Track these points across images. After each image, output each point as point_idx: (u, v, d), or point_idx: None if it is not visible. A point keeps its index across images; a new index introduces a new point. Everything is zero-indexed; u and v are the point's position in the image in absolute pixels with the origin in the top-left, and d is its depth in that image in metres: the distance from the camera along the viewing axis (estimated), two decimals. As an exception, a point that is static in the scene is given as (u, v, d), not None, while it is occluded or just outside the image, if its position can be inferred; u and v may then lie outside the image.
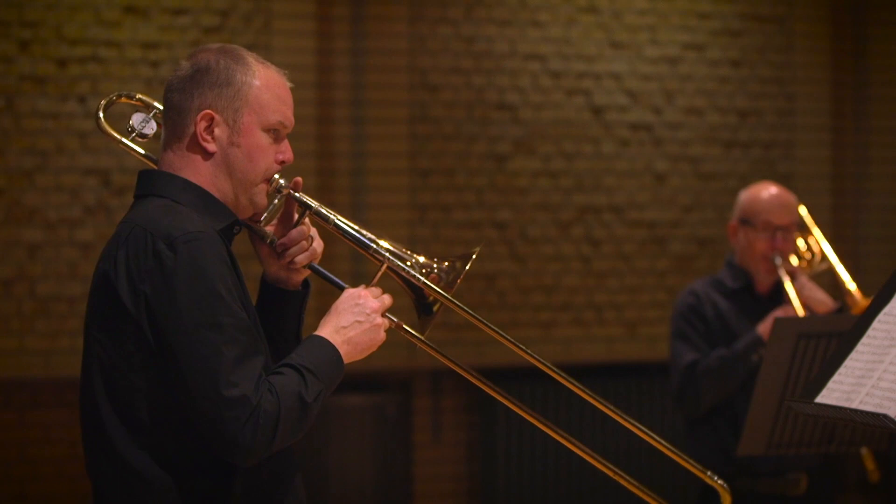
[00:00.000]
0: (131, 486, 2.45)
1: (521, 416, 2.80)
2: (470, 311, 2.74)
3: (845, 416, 2.52)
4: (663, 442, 2.93)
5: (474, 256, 2.73)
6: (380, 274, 2.68)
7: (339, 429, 6.57)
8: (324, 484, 6.59)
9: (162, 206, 2.54)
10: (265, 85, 2.58)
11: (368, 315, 2.60)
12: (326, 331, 2.58)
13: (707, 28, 7.40)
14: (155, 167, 2.67)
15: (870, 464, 4.69)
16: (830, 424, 4.02)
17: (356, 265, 6.38)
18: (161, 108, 2.69)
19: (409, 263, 2.70)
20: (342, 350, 2.56)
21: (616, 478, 2.88)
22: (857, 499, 7.03)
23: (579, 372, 7.25)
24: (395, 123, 6.86)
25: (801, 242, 4.68)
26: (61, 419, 6.34)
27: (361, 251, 2.70)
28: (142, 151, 2.76)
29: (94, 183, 6.41)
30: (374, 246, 2.68)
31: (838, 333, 3.90)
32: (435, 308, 2.72)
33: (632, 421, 2.92)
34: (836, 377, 2.58)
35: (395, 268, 2.69)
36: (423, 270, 2.71)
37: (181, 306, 2.39)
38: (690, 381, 4.30)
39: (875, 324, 2.60)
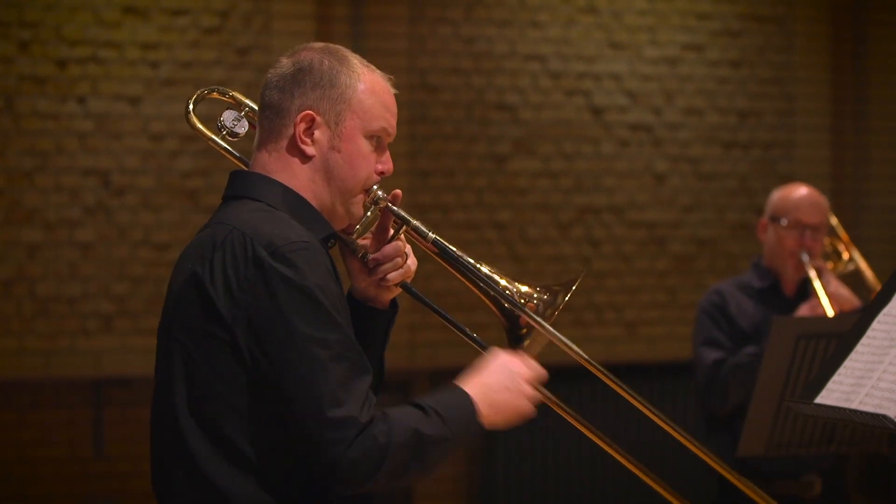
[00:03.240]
0: None
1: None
2: (569, 344, 2.60)
3: (845, 417, 2.52)
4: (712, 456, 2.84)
5: (574, 288, 2.61)
6: (537, 344, 2.54)
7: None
8: (323, 484, 6.59)
9: (258, 209, 2.37)
10: (370, 89, 2.47)
11: (519, 383, 2.45)
12: (469, 385, 2.42)
13: (707, 28, 7.40)
14: (245, 168, 2.50)
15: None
16: (830, 425, 4.02)
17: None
18: (254, 106, 2.55)
19: (505, 289, 2.59)
20: (482, 409, 2.39)
21: (647, 479, 2.75)
22: (858, 499, 7.03)
23: (579, 372, 7.26)
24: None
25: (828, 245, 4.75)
26: (61, 420, 6.33)
27: (458, 276, 2.57)
28: (234, 152, 2.57)
29: (94, 183, 6.41)
30: (473, 270, 2.57)
31: (838, 334, 3.90)
32: (526, 343, 2.59)
33: (678, 429, 2.81)
34: (835, 378, 2.58)
35: (493, 299, 2.56)
36: (522, 301, 2.60)
37: (285, 319, 2.24)
38: (716, 379, 4.31)
39: (875, 324, 2.60)
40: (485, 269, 2.61)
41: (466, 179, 7.01)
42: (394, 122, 2.50)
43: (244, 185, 2.44)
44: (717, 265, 7.39)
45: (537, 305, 2.61)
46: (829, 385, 2.57)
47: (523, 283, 2.62)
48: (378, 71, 2.52)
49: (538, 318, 2.58)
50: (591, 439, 2.65)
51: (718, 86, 7.43)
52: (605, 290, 7.21)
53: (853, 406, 2.50)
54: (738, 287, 4.49)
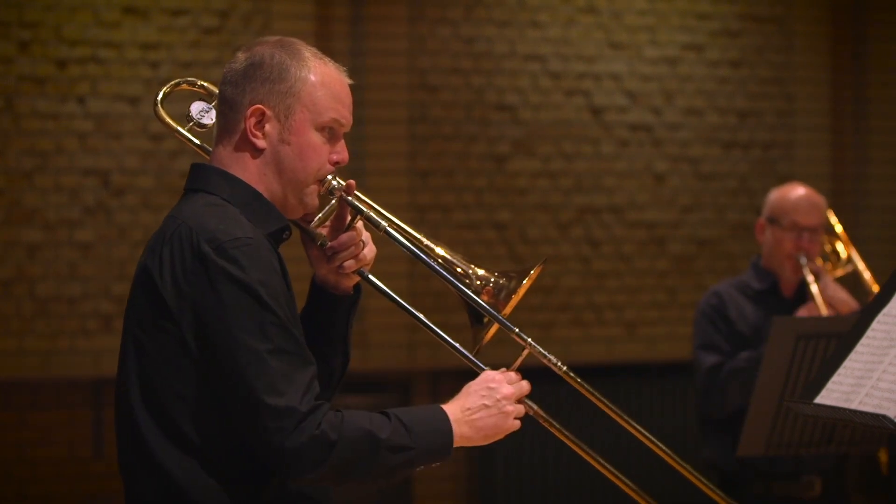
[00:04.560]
0: (164, 491, 2.38)
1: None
2: (517, 331, 2.65)
3: (845, 417, 2.52)
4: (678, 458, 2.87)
5: (534, 273, 2.65)
6: (522, 359, 2.59)
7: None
8: (323, 484, 6.59)
9: (210, 204, 2.44)
10: (321, 82, 2.49)
11: (498, 401, 2.51)
12: (451, 407, 2.49)
13: (706, 28, 7.40)
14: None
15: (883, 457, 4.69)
16: (830, 425, 4.02)
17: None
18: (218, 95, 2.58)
19: (458, 270, 2.63)
20: (458, 429, 2.46)
21: (623, 486, 2.80)
22: (858, 499, 7.03)
23: (578, 373, 7.25)
24: (395, 124, 6.86)
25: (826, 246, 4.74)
26: (60, 420, 6.33)
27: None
28: (198, 143, 2.64)
29: (94, 184, 6.41)
30: (427, 258, 2.62)
31: (837, 334, 3.90)
32: (485, 320, 2.64)
33: (651, 438, 2.84)
34: (835, 378, 2.58)
35: (446, 279, 2.62)
36: (479, 283, 2.64)
37: (228, 313, 2.32)
38: (714, 383, 4.29)
39: (874, 324, 2.60)
40: (440, 252, 2.66)
41: (466, 179, 7.01)
42: (347, 112, 2.53)
43: (201, 178, 2.50)
44: (716, 265, 7.39)
45: (494, 289, 2.65)
46: (829, 385, 2.57)
47: (480, 267, 2.67)
48: (332, 63, 2.54)
49: (485, 305, 2.63)
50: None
51: (718, 86, 7.43)
52: (605, 291, 7.21)
53: (853, 406, 2.50)
54: (737, 288, 4.46)
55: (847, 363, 2.58)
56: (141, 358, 2.41)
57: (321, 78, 2.50)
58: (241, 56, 2.51)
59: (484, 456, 6.86)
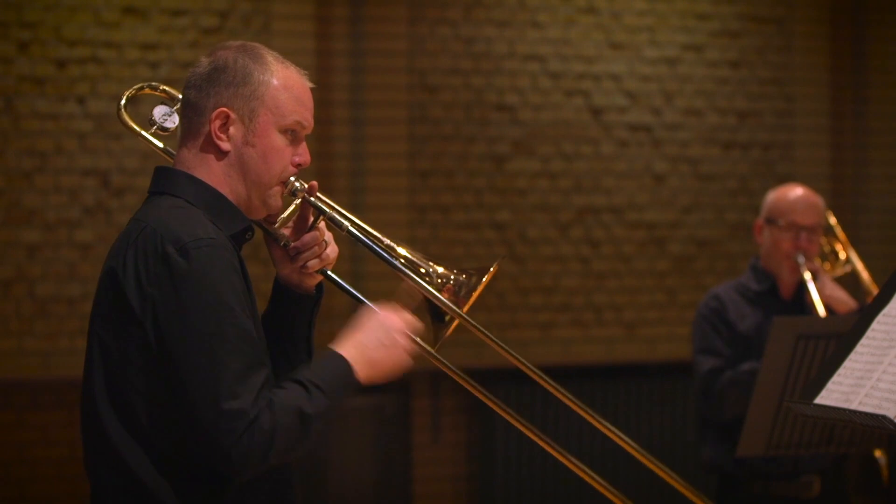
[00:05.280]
0: (128, 488, 2.43)
1: (520, 417, 2.79)
2: (478, 326, 2.71)
3: (844, 417, 2.52)
4: (650, 457, 2.91)
5: (493, 270, 2.70)
6: (415, 300, 2.63)
7: (339, 430, 6.57)
8: (323, 485, 6.59)
9: (174, 206, 2.49)
10: (283, 85, 2.54)
11: (394, 337, 2.56)
12: (346, 347, 2.52)
13: (706, 29, 7.40)
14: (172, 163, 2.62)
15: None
16: (829, 425, 4.02)
17: (355, 265, 6.38)
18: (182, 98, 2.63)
19: (421, 269, 2.68)
20: (360, 370, 2.51)
21: (594, 483, 2.86)
22: (858, 499, 7.03)
23: (578, 373, 7.27)
24: (395, 124, 6.86)
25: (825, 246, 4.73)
26: (60, 420, 6.33)
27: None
28: (161, 146, 2.69)
29: (94, 184, 6.41)
30: (389, 257, 2.66)
31: (837, 334, 3.90)
32: (447, 318, 2.69)
33: (622, 436, 2.89)
34: (835, 378, 2.58)
35: (410, 277, 2.66)
36: (440, 281, 2.68)
37: (187, 314, 2.36)
38: (712, 389, 4.29)
39: (874, 325, 2.61)
40: (402, 252, 2.69)
41: (466, 180, 7.02)
42: (309, 115, 2.58)
43: (165, 181, 2.55)
44: (716, 266, 7.39)
45: (454, 286, 2.69)
46: (829, 385, 2.58)
47: (440, 265, 2.71)
48: (293, 66, 2.59)
49: (447, 302, 2.67)
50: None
51: (718, 86, 7.43)
52: (605, 291, 7.21)
53: (853, 406, 2.51)
54: (736, 290, 4.46)
55: (847, 363, 2.58)
56: (106, 360, 2.45)
57: (284, 81, 2.55)
58: (204, 60, 2.57)
59: (483, 457, 6.86)
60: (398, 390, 6.71)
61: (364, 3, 6.77)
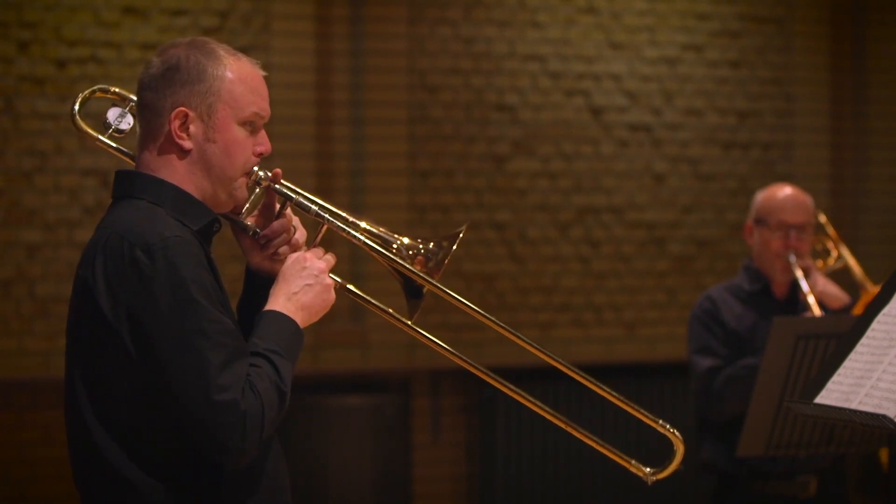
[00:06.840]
0: (122, 496, 2.45)
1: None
2: (452, 294, 2.73)
3: (844, 417, 2.52)
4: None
5: (461, 235, 2.72)
6: (321, 234, 2.66)
7: (338, 429, 6.57)
8: (323, 484, 6.59)
9: (139, 209, 2.51)
10: (238, 78, 2.55)
11: (317, 276, 2.59)
12: (279, 302, 2.56)
13: (706, 29, 7.41)
14: (133, 164, 2.63)
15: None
16: (829, 425, 4.02)
17: (355, 265, 6.38)
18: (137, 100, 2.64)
19: (394, 246, 2.70)
20: (298, 319, 2.55)
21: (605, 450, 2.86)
22: (857, 499, 7.03)
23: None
24: (394, 124, 6.86)
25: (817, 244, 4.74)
26: (60, 420, 6.27)
27: (341, 235, 2.69)
28: (123, 148, 2.70)
29: (93, 184, 6.41)
30: (359, 235, 2.67)
31: (837, 334, 3.91)
32: (423, 291, 2.70)
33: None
34: (835, 378, 2.58)
35: (376, 251, 2.68)
36: (410, 252, 2.70)
37: (163, 314, 2.38)
38: (710, 388, 4.30)
39: (874, 324, 2.61)
40: (363, 226, 2.70)
41: (466, 180, 7.02)
42: (265, 104, 2.59)
43: (127, 184, 2.59)
44: (716, 266, 7.39)
45: (425, 257, 2.71)
46: (829, 385, 2.58)
47: (404, 237, 2.73)
48: (245, 58, 2.60)
49: (421, 274, 2.69)
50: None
51: (718, 86, 7.43)
52: (605, 291, 7.21)
53: (853, 406, 2.51)
54: (730, 291, 4.47)
55: (847, 363, 2.59)
56: (86, 366, 2.49)
57: (238, 74, 2.56)
58: (156, 60, 2.57)
59: (483, 457, 6.86)
60: (398, 390, 6.71)
61: (364, 3, 6.77)
